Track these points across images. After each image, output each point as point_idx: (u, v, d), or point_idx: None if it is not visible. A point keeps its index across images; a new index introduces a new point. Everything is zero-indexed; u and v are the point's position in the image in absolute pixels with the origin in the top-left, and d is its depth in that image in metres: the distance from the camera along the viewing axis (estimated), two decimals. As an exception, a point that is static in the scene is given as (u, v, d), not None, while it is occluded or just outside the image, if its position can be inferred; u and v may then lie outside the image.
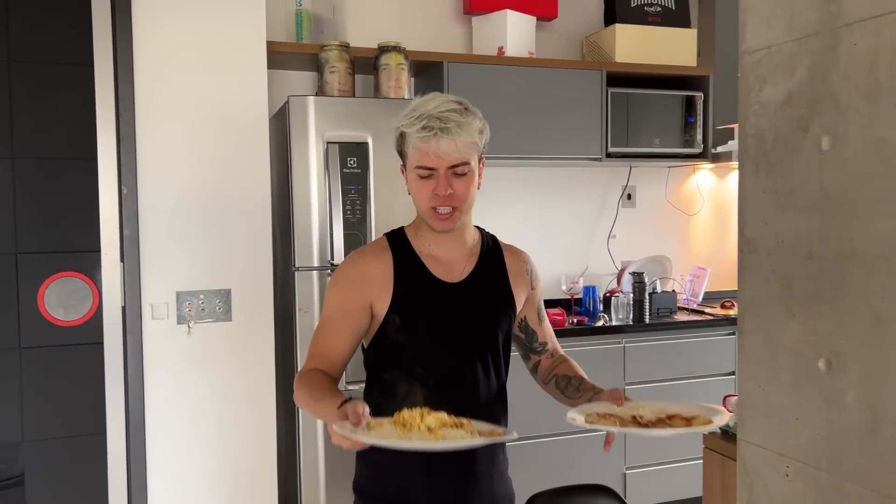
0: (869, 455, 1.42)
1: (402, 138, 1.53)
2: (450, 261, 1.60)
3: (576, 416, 1.40)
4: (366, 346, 1.61)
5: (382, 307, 1.53)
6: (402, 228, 1.65)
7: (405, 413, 1.27)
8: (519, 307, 1.66)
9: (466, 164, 1.50)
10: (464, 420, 1.27)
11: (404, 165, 1.56)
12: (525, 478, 1.90)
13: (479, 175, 1.56)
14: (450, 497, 1.54)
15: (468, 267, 1.60)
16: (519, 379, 1.83)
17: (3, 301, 2.53)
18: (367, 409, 1.27)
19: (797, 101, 1.56)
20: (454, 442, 1.17)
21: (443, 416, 1.25)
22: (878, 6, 1.36)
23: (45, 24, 2.55)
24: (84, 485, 2.61)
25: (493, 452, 1.61)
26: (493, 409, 1.58)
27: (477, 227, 1.69)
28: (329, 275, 2.76)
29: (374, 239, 1.65)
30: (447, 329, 1.54)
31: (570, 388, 1.65)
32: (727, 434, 2.22)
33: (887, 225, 1.35)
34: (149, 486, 2.62)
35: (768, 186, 1.66)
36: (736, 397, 2.09)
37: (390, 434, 1.20)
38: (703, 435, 2.32)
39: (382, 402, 1.47)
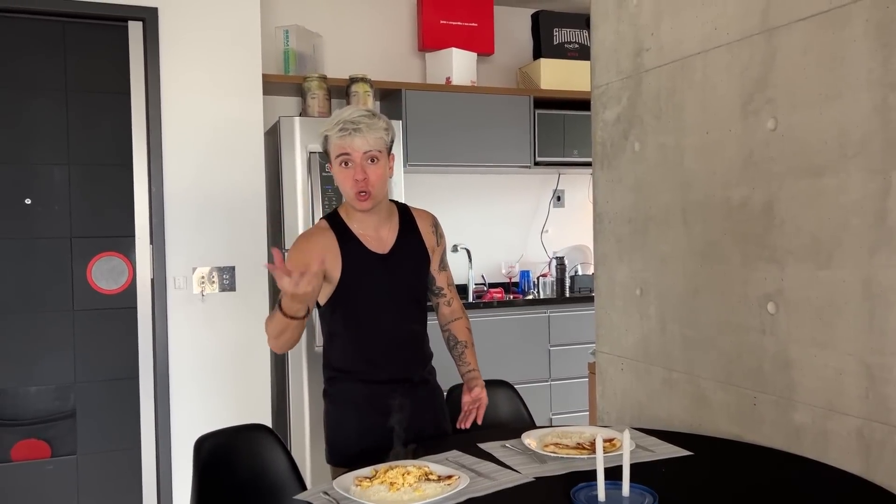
0: (661, 345, 2.27)
1: (326, 140, 1.91)
2: (377, 236, 1.97)
3: (531, 442, 1.78)
4: (321, 304, 1.98)
5: (336, 273, 1.91)
6: (336, 212, 2.01)
7: (390, 473, 1.55)
8: (432, 259, 2.09)
9: (377, 154, 1.88)
10: (427, 468, 1.58)
11: (330, 163, 1.93)
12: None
13: (390, 167, 1.96)
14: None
15: (391, 238, 2.00)
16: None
17: (60, 274, 3.28)
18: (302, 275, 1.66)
19: (622, 119, 2.42)
20: (434, 497, 1.47)
21: (416, 471, 1.56)
22: (659, 60, 2.23)
23: (93, 62, 3.32)
24: (121, 417, 3.35)
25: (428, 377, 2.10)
26: (420, 337, 2.07)
27: (392, 200, 2.06)
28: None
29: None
30: (385, 291, 1.97)
31: (455, 350, 2.14)
32: (603, 360, 3.01)
33: (666, 197, 2.21)
34: (171, 417, 3.36)
35: (608, 176, 2.52)
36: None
37: (381, 492, 1.50)
38: (588, 363, 3.13)
39: (349, 357, 1.97)
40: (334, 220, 2.00)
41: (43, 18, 3.24)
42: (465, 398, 2.09)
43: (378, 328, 1.99)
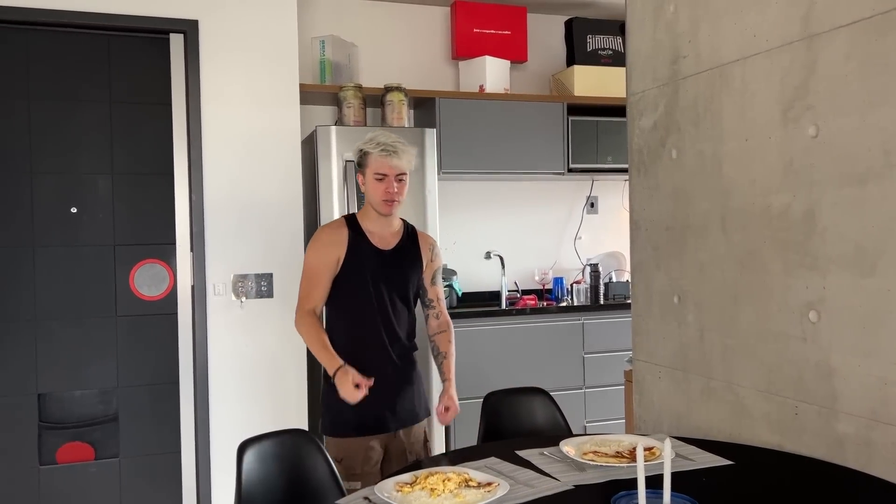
0: (700, 354, 2.25)
1: (364, 156, 2.36)
2: (384, 236, 2.42)
3: (570, 450, 1.84)
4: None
5: (341, 261, 2.36)
6: (353, 214, 2.46)
7: (430, 480, 1.60)
8: (424, 270, 2.48)
9: (405, 174, 2.36)
10: (466, 475, 1.62)
11: (362, 173, 2.38)
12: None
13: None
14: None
15: (395, 241, 2.43)
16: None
17: (104, 281, 3.36)
18: (358, 378, 2.19)
19: (659, 126, 2.42)
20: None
21: (455, 477, 1.61)
22: (696, 68, 2.23)
23: (136, 74, 3.40)
24: (163, 421, 3.42)
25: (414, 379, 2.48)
26: (402, 325, 2.42)
27: (402, 219, 2.49)
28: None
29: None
30: (380, 277, 2.37)
31: (437, 359, 2.52)
32: (639, 367, 3.00)
33: (704, 205, 2.20)
34: (211, 421, 3.42)
35: (645, 184, 2.51)
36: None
37: (422, 497, 1.54)
38: (625, 371, 3.12)
39: (343, 324, 2.38)
40: (350, 218, 2.44)
41: (88, 32, 3.33)
42: (438, 405, 2.45)
43: (367, 306, 2.36)
